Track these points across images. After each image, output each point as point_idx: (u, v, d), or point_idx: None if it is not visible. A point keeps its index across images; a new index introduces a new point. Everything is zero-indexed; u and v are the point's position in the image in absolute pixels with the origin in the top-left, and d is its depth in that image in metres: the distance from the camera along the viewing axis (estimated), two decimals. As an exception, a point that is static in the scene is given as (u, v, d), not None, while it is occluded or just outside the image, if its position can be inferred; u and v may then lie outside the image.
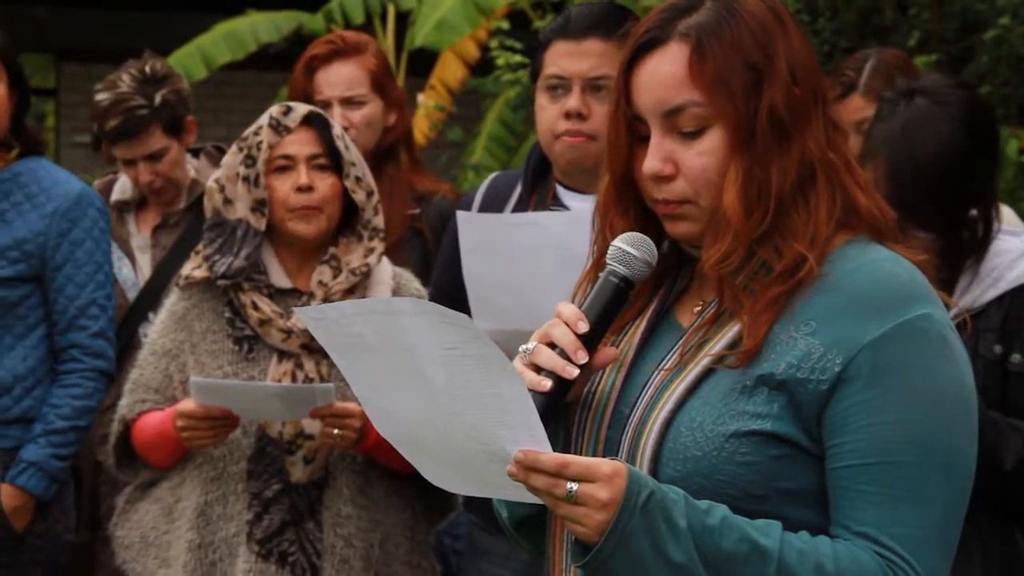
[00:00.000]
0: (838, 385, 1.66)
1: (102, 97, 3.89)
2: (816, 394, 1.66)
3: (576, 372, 1.69)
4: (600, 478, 1.59)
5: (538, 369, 1.70)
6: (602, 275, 1.73)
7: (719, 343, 1.72)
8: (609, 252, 1.74)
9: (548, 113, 2.96)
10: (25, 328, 3.47)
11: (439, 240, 3.46)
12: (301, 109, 3.09)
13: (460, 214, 2.99)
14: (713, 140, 1.71)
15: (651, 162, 1.73)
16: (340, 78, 3.67)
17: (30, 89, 3.56)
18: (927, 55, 5.53)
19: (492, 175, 3.30)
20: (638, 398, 1.73)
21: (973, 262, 2.73)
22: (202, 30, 7.41)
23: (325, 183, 3.07)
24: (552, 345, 1.71)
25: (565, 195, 3.02)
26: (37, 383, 3.48)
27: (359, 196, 3.10)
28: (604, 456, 1.70)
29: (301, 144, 3.07)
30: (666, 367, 1.73)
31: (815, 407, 1.66)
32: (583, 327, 1.71)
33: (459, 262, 2.98)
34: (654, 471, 1.68)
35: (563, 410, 1.77)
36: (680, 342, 1.75)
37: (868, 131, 2.86)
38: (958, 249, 2.74)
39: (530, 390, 1.65)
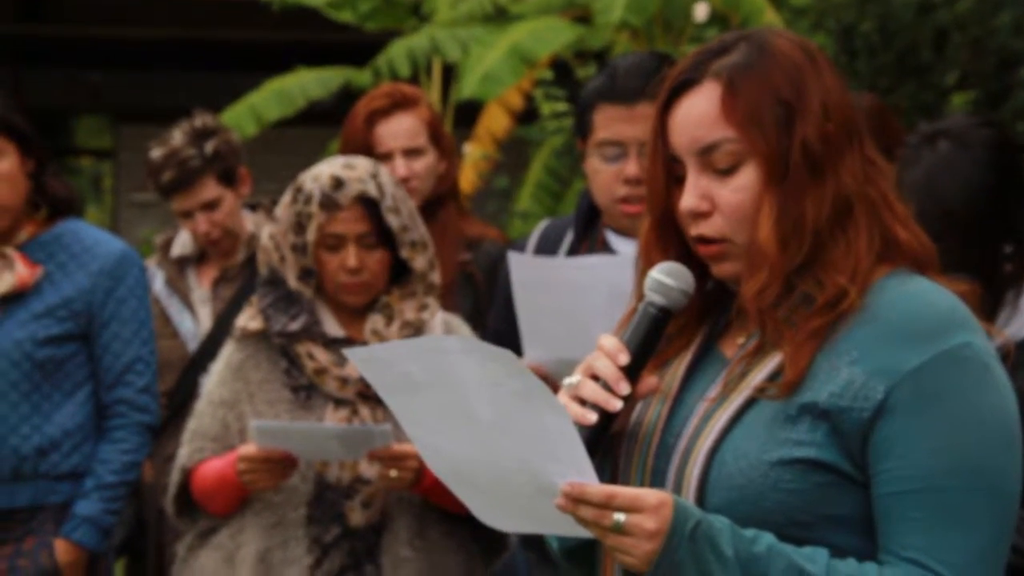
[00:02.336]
0: (880, 413, 1.68)
1: (156, 153, 4.03)
2: (859, 422, 1.68)
3: (619, 404, 1.72)
4: (647, 508, 1.62)
5: (583, 402, 1.73)
6: (640, 306, 1.76)
7: (761, 374, 1.73)
8: (647, 283, 1.77)
9: (604, 177, 2.99)
10: (73, 385, 3.51)
11: (489, 284, 3.51)
12: (353, 188, 3.05)
13: (512, 255, 3.02)
14: (747, 176, 1.74)
15: (688, 199, 1.76)
16: (401, 129, 3.72)
17: (45, 152, 3.55)
18: (965, 93, 5.57)
19: (543, 222, 3.34)
20: (683, 428, 1.76)
21: (1012, 297, 2.72)
22: (252, 87, 7.51)
23: (374, 259, 3.08)
24: (595, 378, 1.74)
25: (615, 240, 3.07)
26: (85, 439, 3.51)
27: (418, 263, 3.10)
28: (651, 486, 1.73)
29: (351, 223, 3.05)
30: (710, 397, 1.75)
31: (858, 435, 1.68)
32: (623, 359, 1.73)
33: (512, 307, 3.02)
34: (700, 500, 1.70)
35: (609, 442, 1.79)
36: (723, 373, 1.77)
37: (895, 179, 2.88)
38: (996, 285, 2.72)
39: (575, 423, 1.67)
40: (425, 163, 3.72)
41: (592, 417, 1.72)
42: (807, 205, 1.73)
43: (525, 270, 2.94)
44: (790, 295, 1.73)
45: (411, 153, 3.71)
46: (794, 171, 1.73)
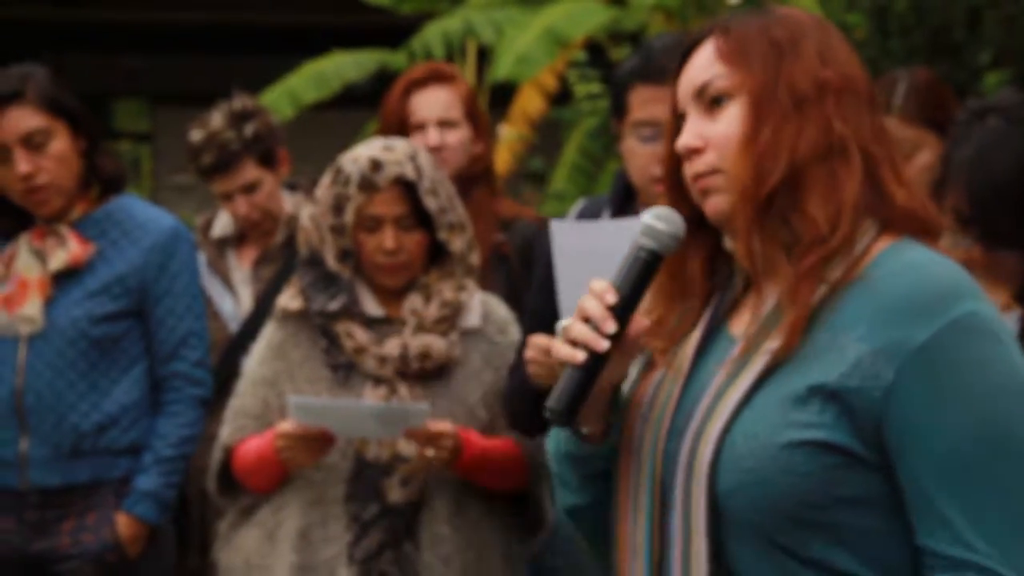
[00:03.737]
0: (893, 395, 1.65)
1: (195, 135, 4.07)
2: (870, 403, 1.66)
3: (606, 344, 1.72)
4: None
5: (574, 344, 1.73)
6: (631, 249, 1.77)
7: (771, 345, 1.72)
8: (640, 227, 1.77)
9: (642, 158, 3.00)
10: (129, 361, 3.54)
11: (524, 264, 3.53)
12: (391, 170, 3.07)
13: (555, 222, 3.03)
14: (735, 109, 1.75)
15: (683, 138, 1.77)
16: (437, 100, 3.72)
17: (94, 132, 3.59)
18: (999, 72, 5.56)
19: (580, 201, 3.35)
20: (694, 409, 1.74)
21: None
22: (288, 71, 7.55)
23: (412, 241, 3.10)
24: (587, 320, 1.73)
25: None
26: (143, 414, 3.54)
27: (456, 245, 3.13)
28: (663, 469, 1.73)
29: (389, 205, 3.08)
30: (719, 378, 1.74)
31: (870, 415, 1.66)
32: (611, 299, 1.73)
33: (552, 284, 3.02)
34: (711, 483, 1.69)
35: (620, 416, 1.81)
36: (732, 352, 1.76)
37: (944, 156, 2.84)
38: None
39: (567, 364, 1.70)
40: (458, 136, 3.72)
41: (581, 356, 1.72)
42: (785, 135, 1.72)
43: (568, 236, 2.93)
44: (773, 226, 1.73)
45: (445, 124, 3.71)
46: (778, 104, 1.73)
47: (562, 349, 1.74)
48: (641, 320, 1.77)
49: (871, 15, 6.04)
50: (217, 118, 4.07)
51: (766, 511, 1.68)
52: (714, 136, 1.77)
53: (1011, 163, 2.70)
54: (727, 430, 1.70)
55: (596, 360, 1.73)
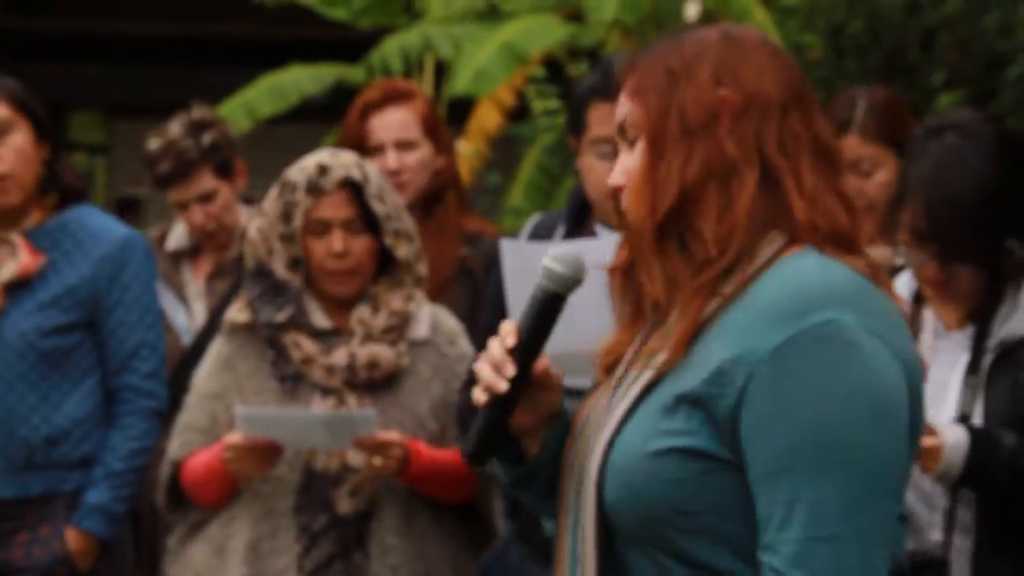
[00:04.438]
0: (743, 398, 1.67)
1: (153, 144, 4.05)
2: (727, 408, 1.68)
3: (504, 386, 1.75)
4: None
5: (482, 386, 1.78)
6: (533, 290, 1.79)
7: (659, 359, 1.74)
8: (541, 269, 1.80)
9: (599, 175, 2.98)
10: (81, 373, 3.52)
11: (488, 280, 3.52)
12: (337, 173, 3.09)
13: (505, 242, 3.03)
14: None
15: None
16: (393, 122, 3.69)
17: (57, 139, 3.59)
18: (952, 93, 5.61)
19: (535, 216, 3.35)
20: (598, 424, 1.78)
21: (1013, 291, 2.73)
22: (246, 84, 7.52)
23: (360, 245, 3.10)
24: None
25: (605, 235, 3.07)
26: (95, 427, 3.51)
27: (401, 252, 3.13)
28: (573, 483, 1.78)
29: (336, 208, 3.09)
30: (620, 389, 1.78)
31: (728, 421, 1.68)
32: (511, 341, 1.77)
33: (503, 302, 3.02)
34: (599, 493, 1.72)
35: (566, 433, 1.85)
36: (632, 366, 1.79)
37: (901, 172, 2.85)
38: (999, 279, 2.73)
39: (477, 405, 1.75)
40: (417, 157, 3.70)
41: (483, 398, 1.76)
42: (675, 164, 1.73)
43: (517, 256, 2.93)
44: (672, 250, 1.75)
45: (403, 146, 3.69)
46: (669, 134, 1.74)
47: (476, 392, 1.77)
48: (543, 362, 1.79)
49: (826, 35, 6.08)
50: (175, 127, 4.06)
51: (645, 519, 1.70)
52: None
53: (968, 180, 2.72)
54: (611, 443, 1.73)
55: (500, 401, 1.75)
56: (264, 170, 4.94)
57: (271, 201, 3.14)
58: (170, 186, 4.05)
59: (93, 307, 3.52)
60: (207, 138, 4.04)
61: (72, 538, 3.47)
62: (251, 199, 4.19)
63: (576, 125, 3.08)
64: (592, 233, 3.12)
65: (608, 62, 3.07)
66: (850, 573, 1.65)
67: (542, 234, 3.22)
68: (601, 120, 3.00)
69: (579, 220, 3.15)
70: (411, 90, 3.82)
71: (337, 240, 3.09)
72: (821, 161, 1.78)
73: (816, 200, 1.75)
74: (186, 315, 4.05)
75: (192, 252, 4.15)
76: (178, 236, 4.16)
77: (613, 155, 1.85)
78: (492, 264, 3.47)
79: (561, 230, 3.17)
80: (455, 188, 3.81)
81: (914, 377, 1.74)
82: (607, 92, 2.97)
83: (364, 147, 3.65)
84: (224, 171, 4.07)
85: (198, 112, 4.10)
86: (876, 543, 1.67)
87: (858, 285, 1.72)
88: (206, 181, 4.04)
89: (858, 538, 1.65)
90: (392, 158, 3.66)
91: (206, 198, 4.04)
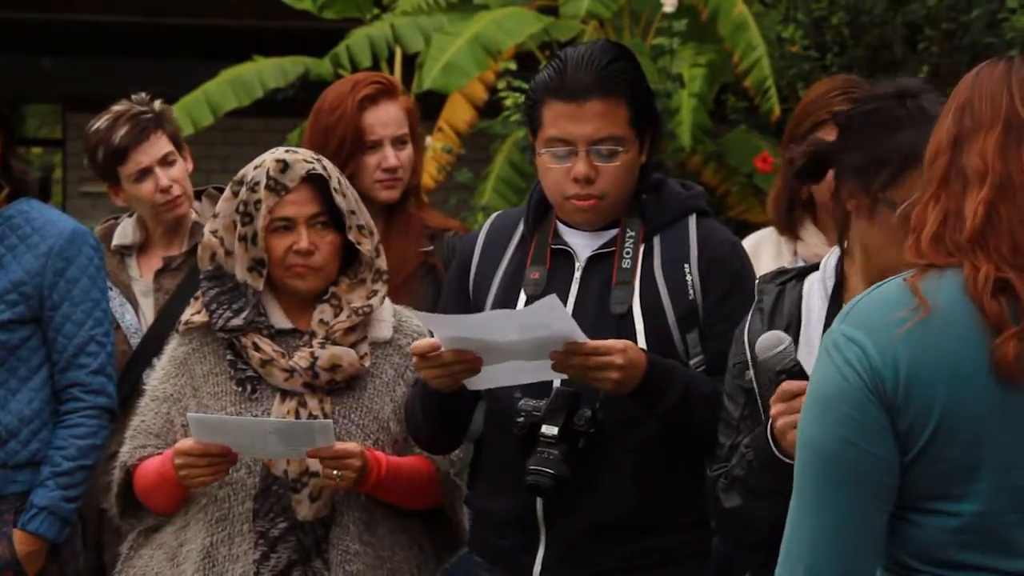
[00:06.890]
0: None
1: (100, 123, 3.92)
2: None
3: None
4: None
5: None
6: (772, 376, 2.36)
7: None
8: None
9: (554, 175, 2.91)
10: (28, 371, 3.49)
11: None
12: (299, 168, 3.05)
13: (421, 316, 2.97)
14: None
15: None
16: (390, 118, 3.69)
17: (12, 130, 3.55)
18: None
19: (494, 215, 3.26)
20: None
21: None
22: (208, 77, 7.43)
23: (325, 242, 3.06)
24: None
25: (566, 232, 2.99)
26: (43, 425, 3.50)
27: (365, 246, 3.09)
28: None
29: (300, 205, 3.04)
30: None
31: None
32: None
33: (462, 296, 3.02)
34: None
35: None
36: None
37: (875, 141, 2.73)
38: None
39: None
40: (409, 153, 3.71)
41: None
42: None
43: (443, 329, 2.82)
44: None
45: (399, 142, 3.69)
46: None
47: None
48: None
49: (808, 29, 6.03)
50: (116, 106, 3.95)
51: None
52: None
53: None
54: None
55: None
56: (227, 167, 4.82)
57: (226, 202, 3.09)
58: (130, 152, 3.88)
59: (40, 302, 3.50)
60: (157, 105, 3.95)
61: (20, 540, 3.44)
62: (200, 192, 4.07)
63: (532, 122, 2.98)
64: (554, 230, 3.01)
65: (563, 59, 2.94)
66: None
67: (501, 232, 3.10)
68: (555, 120, 2.89)
69: (540, 217, 3.05)
70: (397, 84, 3.81)
71: (303, 238, 3.05)
72: None
73: None
74: (134, 314, 3.92)
75: (139, 248, 4.01)
76: (124, 231, 4.03)
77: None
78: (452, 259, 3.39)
79: (521, 228, 3.06)
80: (417, 186, 3.81)
81: None
82: (561, 92, 2.88)
83: (363, 142, 3.64)
84: (177, 143, 3.95)
85: (137, 96, 3.98)
86: None
87: None
88: (164, 143, 3.90)
89: None
90: (391, 155, 3.67)
91: (167, 162, 3.90)
